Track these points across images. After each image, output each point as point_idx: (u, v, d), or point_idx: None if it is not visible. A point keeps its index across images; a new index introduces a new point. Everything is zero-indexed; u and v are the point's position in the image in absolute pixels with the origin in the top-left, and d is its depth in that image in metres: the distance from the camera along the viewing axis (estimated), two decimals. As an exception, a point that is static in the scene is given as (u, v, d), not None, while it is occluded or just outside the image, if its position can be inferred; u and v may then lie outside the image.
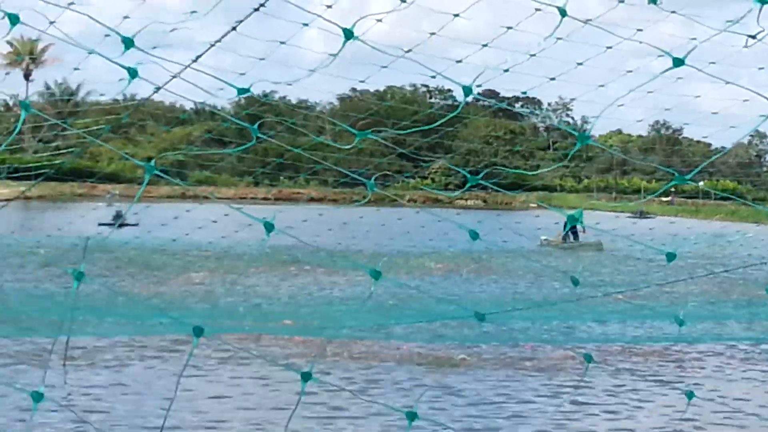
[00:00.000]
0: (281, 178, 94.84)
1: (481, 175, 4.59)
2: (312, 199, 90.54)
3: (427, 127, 5.15)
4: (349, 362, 18.55)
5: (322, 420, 14.09)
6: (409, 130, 7.13)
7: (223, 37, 4.82)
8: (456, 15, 7.08)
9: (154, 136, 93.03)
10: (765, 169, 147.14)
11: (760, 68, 10.85)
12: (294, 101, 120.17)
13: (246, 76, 8.90)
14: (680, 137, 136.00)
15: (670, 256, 4.61)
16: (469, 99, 4.30)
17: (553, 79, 9.86)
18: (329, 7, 7.24)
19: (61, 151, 33.53)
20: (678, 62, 4.10)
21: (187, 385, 15.88)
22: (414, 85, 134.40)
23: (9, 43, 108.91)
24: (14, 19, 3.88)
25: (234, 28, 4.49)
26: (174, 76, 4.54)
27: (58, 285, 25.35)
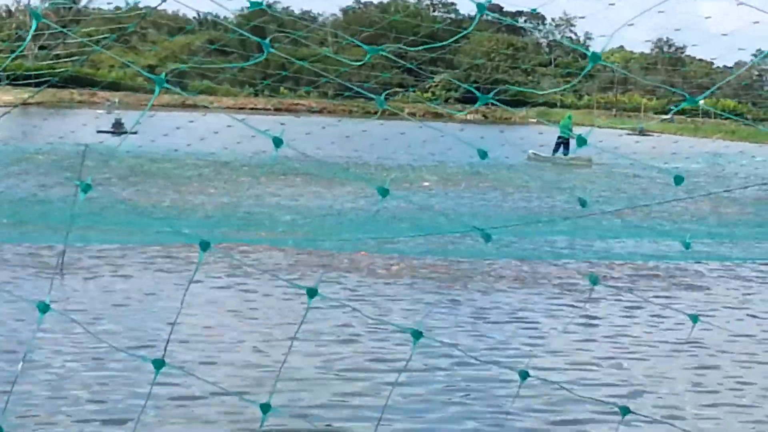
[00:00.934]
0: (281, 89, 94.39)
1: (492, 93, 4.59)
2: (312, 111, 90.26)
3: (438, 44, 5.09)
4: (354, 276, 18.63)
5: (327, 335, 14.17)
6: (420, 47, 7.10)
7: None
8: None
9: (156, 44, 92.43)
10: (767, 88, 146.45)
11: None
12: (297, 12, 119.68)
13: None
14: (682, 55, 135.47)
15: (678, 179, 4.57)
16: (473, 13, 4.26)
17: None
18: None
19: (64, 60, 33.41)
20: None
21: (191, 295, 15.94)
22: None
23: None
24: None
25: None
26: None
27: (58, 193, 25.33)
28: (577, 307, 16.93)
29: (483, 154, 4.66)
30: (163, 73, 4.17)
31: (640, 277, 19.94)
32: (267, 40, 4.13)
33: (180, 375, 10.97)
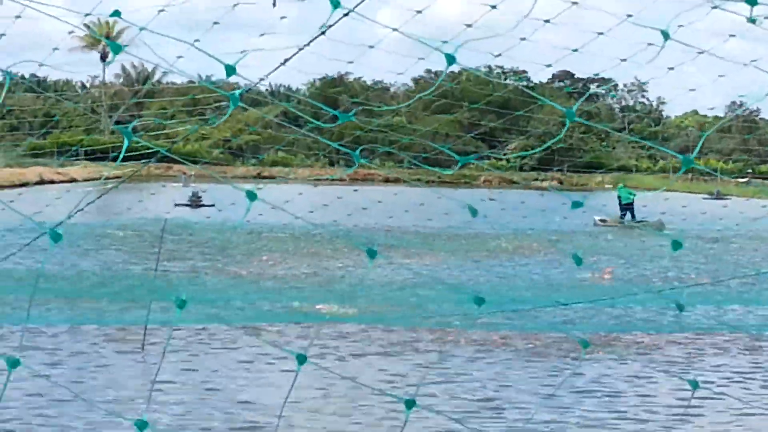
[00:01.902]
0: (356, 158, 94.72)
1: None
2: (387, 180, 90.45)
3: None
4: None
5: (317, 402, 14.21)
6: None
7: (312, 40, 4.84)
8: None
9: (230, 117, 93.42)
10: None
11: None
12: (369, 82, 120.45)
13: (320, 57, 8.86)
14: (757, 117, 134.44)
15: (676, 245, 4.45)
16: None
17: (624, 60, 9.75)
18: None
19: (140, 133, 33.77)
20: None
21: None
22: (489, 66, 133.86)
23: (86, 25, 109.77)
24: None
25: (323, 33, 4.52)
26: (282, 64, 4.60)
27: (142, 268, 25.60)
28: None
29: (474, 212, 4.57)
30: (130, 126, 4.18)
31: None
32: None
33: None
